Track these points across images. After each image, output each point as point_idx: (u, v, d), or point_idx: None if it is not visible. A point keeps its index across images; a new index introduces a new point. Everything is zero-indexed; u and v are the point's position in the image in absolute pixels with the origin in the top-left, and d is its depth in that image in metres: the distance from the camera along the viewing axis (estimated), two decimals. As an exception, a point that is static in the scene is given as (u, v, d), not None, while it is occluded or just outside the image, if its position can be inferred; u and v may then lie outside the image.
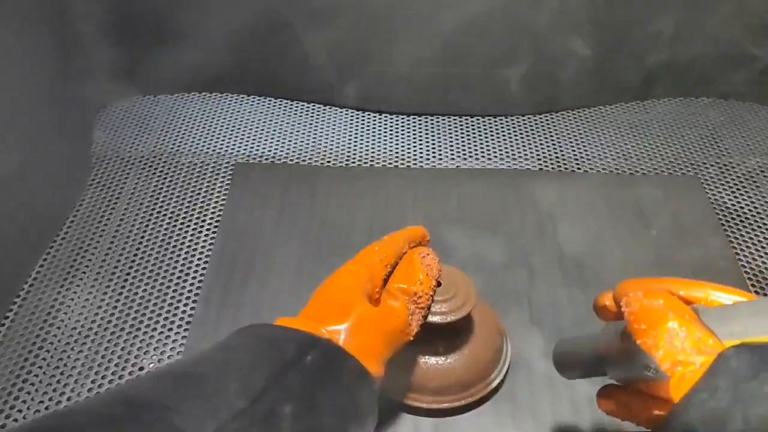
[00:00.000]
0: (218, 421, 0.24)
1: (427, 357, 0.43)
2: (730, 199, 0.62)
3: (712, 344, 0.25)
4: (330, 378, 0.31)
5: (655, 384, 0.27)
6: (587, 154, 0.67)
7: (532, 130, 0.70)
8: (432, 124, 0.71)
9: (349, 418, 0.31)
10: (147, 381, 0.28)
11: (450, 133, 0.70)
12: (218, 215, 0.60)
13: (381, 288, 0.39)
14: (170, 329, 0.50)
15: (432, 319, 0.40)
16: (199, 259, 0.55)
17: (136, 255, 0.56)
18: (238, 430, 0.24)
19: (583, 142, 0.69)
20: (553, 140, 0.69)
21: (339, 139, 0.69)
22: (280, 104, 0.73)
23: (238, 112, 0.72)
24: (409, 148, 0.68)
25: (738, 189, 0.63)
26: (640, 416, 0.29)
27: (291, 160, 0.66)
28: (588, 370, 0.35)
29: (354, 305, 0.35)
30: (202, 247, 0.57)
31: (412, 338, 0.37)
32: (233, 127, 0.70)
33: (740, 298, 0.29)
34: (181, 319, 0.51)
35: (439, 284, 0.39)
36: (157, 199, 0.61)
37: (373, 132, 0.70)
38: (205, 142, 0.68)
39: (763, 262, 0.56)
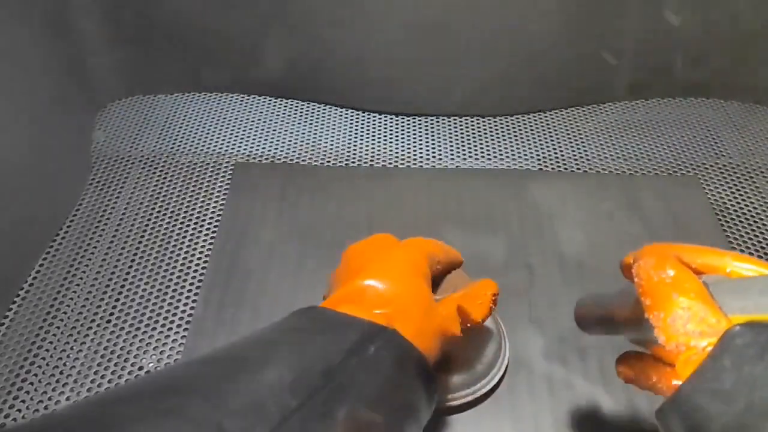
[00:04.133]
0: (267, 425, 0.22)
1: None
2: (729, 200, 0.62)
3: (716, 323, 0.25)
4: (393, 371, 0.28)
5: (669, 352, 0.26)
6: (587, 154, 0.67)
7: (532, 130, 0.70)
8: (432, 124, 0.71)
9: (408, 418, 0.29)
10: (201, 366, 0.26)
11: (450, 133, 0.70)
12: (218, 215, 0.60)
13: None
14: (170, 329, 0.50)
15: None
16: (198, 258, 0.55)
17: (135, 254, 0.56)
18: None
19: (583, 142, 0.69)
20: (553, 140, 0.69)
21: (339, 139, 0.69)
22: (280, 104, 0.73)
23: (238, 112, 0.72)
24: (409, 148, 0.68)
25: (738, 189, 0.63)
26: (658, 385, 0.28)
27: (291, 160, 0.66)
28: (605, 328, 0.34)
29: (424, 303, 0.33)
30: (202, 246, 0.57)
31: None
32: (233, 127, 0.70)
33: (765, 270, 0.28)
34: (181, 318, 0.51)
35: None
36: (157, 198, 0.61)
37: (373, 132, 0.70)
38: (205, 141, 0.68)
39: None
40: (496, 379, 0.45)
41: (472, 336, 0.44)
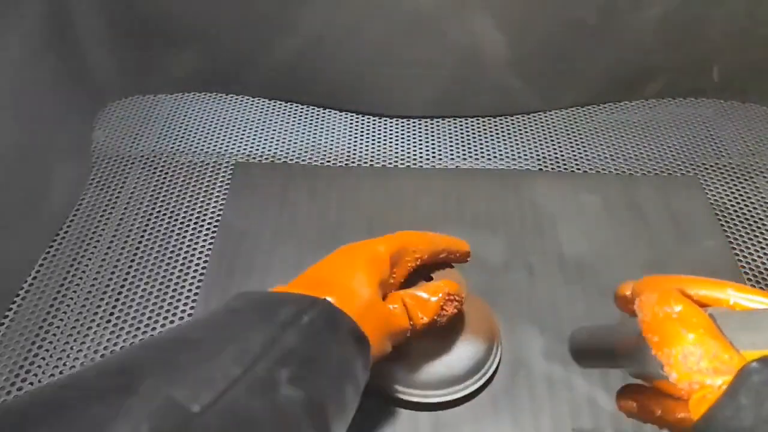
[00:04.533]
0: (214, 391, 0.24)
1: (417, 350, 0.43)
2: (729, 200, 0.62)
3: (729, 360, 0.24)
4: (328, 338, 0.30)
5: (675, 386, 0.25)
6: (587, 154, 0.67)
7: (533, 130, 0.70)
8: (432, 124, 0.71)
9: (346, 380, 0.30)
10: (142, 349, 0.27)
11: (450, 134, 0.70)
12: (218, 215, 0.60)
13: (403, 277, 0.39)
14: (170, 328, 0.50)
15: None
16: (198, 258, 0.55)
17: (135, 254, 0.56)
18: (234, 399, 0.24)
19: (583, 142, 0.69)
20: (553, 140, 0.69)
21: (339, 139, 0.69)
22: (280, 104, 0.73)
23: (238, 112, 0.72)
24: (409, 149, 0.68)
25: (738, 189, 0.63)
26: (662, 419, 0.28)
27: (291, 160, 0.66)
28: (604, 362, 0.34)
29: (365, 290, 0.34)
30: (202, 246, 0.57)
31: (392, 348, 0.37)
32: (233, 127, 0.70)
33: (764, 299, 0.27)
34: (181, 318, 0.51)
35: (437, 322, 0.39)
36: (157, 198, 0.61)
37: (373, 132, 0.70)
38: (205, 141, 0.68)
39: (763, 263, 0.56)
40: (489, 374, 0.45)
41: (450, 332, 0.44)
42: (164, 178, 0.64)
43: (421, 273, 0.42)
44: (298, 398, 0.27)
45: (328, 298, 0.32)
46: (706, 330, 0.25)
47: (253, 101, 0.73)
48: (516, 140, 0.69)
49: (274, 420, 0.25)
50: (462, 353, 0.44)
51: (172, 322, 0.50)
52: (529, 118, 0.72)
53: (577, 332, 0.36)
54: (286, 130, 0.70)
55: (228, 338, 0.27)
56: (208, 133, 0.69)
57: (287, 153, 0.67)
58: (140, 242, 0.57)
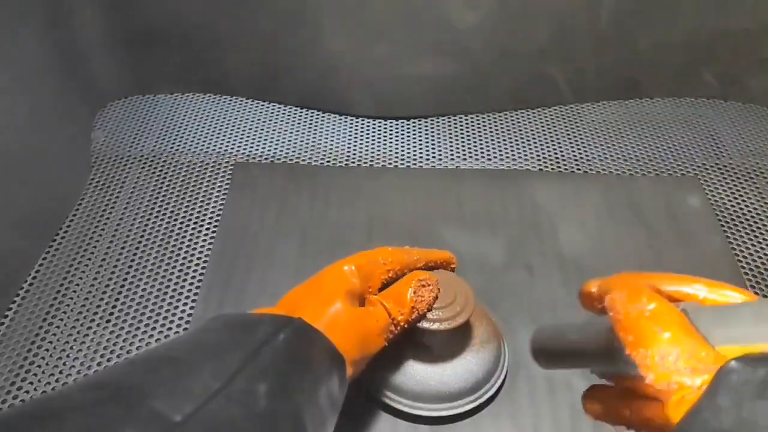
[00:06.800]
0: (195, 403, 0.24)
1: (424, 364, 0.43)
2: (729, 200, 0.62)
3: (706, 357, 0.23)
4: (303, 355, 0.31)
5: (646, 385, 0.25)
6: (587, 154, 0.67)
7: (533, 130, 0.70)
8: (432, 124, 0.71)
9: (323, 394, 0.31)
10: (123, 366, 0.28)
11: (450, 134, 0.70)
12: (218, 215, 0.60)
13: (376, 290, 0.39)
14: (169, 328, 0.50)
15: (429, 326, 0.40)
16: (198, 258, 0.55)
17: (135, 254, 0.56)
18: (215, 411, 0.25)
19: (583, 142, 0.69)
20: (553, 140, 0.69)
21: (339, 139, 0.69)
22: (279, 104, 0.73)
23: (238, 112, 0.72)
24: (409, 149, 0.68)
25: (737, 190, 0.63)
26: (631, 420, 0.27)
27: (291, 160, 0.66)
28: (570, 362, 0.33)
29: (332, 302, 0.35)
30: (202, 246, 0.56)
31: (386, 344, 0.37)
32: (233, 127, 0.70)
33: (737, 294, 0.27)
34: (180, 318, 0.51)
35: (424, 314, 0.40)
36: (157, 198, 0.61)
37: (374, 132, 0.70)
38: (204, 141, 0.68)
39: (763, 263, 0.56)
40: (496, 387, 0.45)
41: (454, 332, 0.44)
42: (164, 178, 0.64)
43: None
44: (277, 409, 0.27)
45: (301, 318, 0.33)
46: (680, 327, 0.25)
47: (252, 101, 0.73)
48: (516, 140, 0.69)
49: (253, 427, 0.26)
50: (470, 367, 0.44)
51: (171, 321, 0.50)
52: (529, 118, 0.72)
53: (541, 331, 0.34)
54: (286, 131, 0.70)
55: (207, 355, 0.28)
56: (208, 133, 0.69)
57: (287, 153, 0.67)
58: (140, 242, 0.57)
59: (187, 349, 0.29)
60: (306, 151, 0.67)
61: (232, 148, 0.67)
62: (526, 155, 0.67)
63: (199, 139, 0.69)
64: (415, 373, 0.43)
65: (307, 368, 0.31)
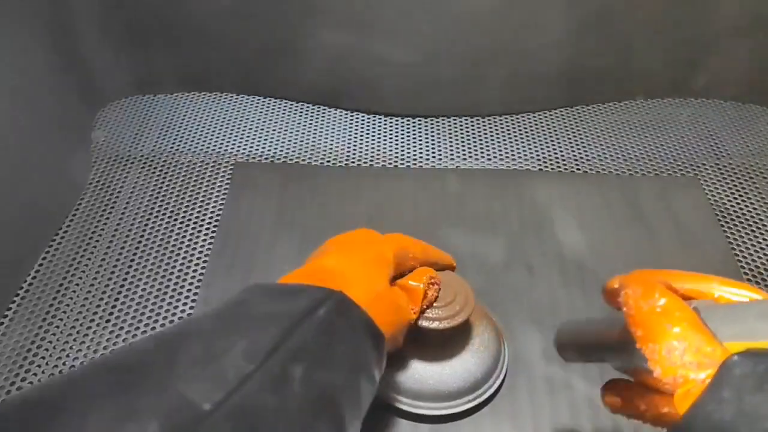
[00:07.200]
0: (225, 389, 0.23)
1: (424, 362, 0.43)
2: (729, 200, 0.62)
3: (712, 353, 0.24)
4: (342, 332, 0.29)
5: (656, 379, 0.25)
6: (587, 154, 0.67)
7: (532, 130, 0.70)
8: (432, 124, 0.71)
9: (361, 374, 0.30)
10: (152, 342, 0.26)
11: (450, 134, 0.70)
12: (217, 215, 0.59)
13: (402, 276, 0.40)
14: (169, 329, 0.50)
15: (429, 325, 0.40)
16: (198, 258, 0.55)
17: (135, 254, 0.56)
18: (245, 397, 0.23)
19: (583, 142, 0.69)
20: (553, 140, 0.69)
21: (339, 139, 0.69)
22: (280, 104, 0.73)
23: (238, 112, 0.72)
24: (409, 149, 0.68)
25: (737, 190, 0.63)
26: (646, 414, 0.27)
27: (291, 159, 0.66)
28: (588, 355, 0.34)
29: (376, 280, 0.34)
30: (202, 246, 0.56)
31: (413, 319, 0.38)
32: (233, 126, 0.70)
33: (752, 294, 0.27)
34: (180, 317, 0.51)
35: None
36: (157, 198, 0.61)
37: (373, 132, 0.70)
38: (204, 141, 0.68)
39: (763, 263, 0.56)
40: (496, 386, 0.45)
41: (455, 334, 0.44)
42: (164, 178, 0.64)
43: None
44: (312, 394, 0.26)
45: (342, 292, 0.31)
46: (689, 323, 0.25)
47: (253, 101, 0.73)
48: (516, 140, 0.69)
49: (286, 417, 0.25)
50: (469, 366, 0.44)
51: (171, 321, 0.50)
52: (529, 118, 0.72)
53: (564, 326, 0.36)
54: (285, 130, 0.70)
55: (240, 332, 0.26)
56: (207, 133, 0.69)
57: (287, 153, 0.67)
58: (140, 242, 0.57)
59: (220, 324, 0.27)
60: (306, 151, 0.67)
61: (232, 148, 0.67)
62: (526, 155, 0.67)
63: (199, 139, 0.69)
64: (415, 371, 0.43)
65: (346, 347, 0.29)
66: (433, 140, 0.69)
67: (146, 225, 0.59)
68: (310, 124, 0.71)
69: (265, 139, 0.69)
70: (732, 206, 0.61)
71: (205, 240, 0.57)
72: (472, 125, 0.71)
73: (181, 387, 0.22)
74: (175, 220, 0.59)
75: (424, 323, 0.40)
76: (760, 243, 0.57)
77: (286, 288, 0.31)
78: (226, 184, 0.63)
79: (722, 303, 0.28)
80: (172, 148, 0.67)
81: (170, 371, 0.23)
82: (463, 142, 0.69)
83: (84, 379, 0.23)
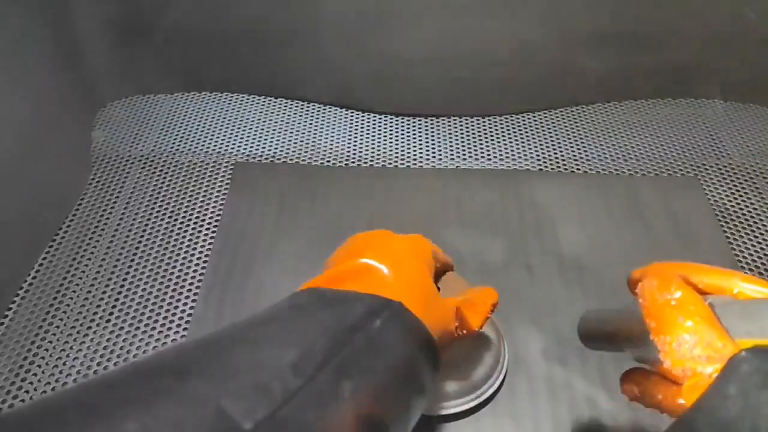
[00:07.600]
0: (270, 407, 0.21)
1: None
2: (729, 200, 0.62)
3: (722, 348, 0.24)
4: (398, 346, 0.28)
5: (666, 369, 0.26)
6: (587, 154, 0.67)
7: (532, 130, 0.70)
8: (432, 124, 0.71)
9: (413, 391, 0.28)
10: (201, 345, 0.25)
11: (450, 134, 0.70)
12: (218, 215, 0.59)
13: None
14: (169, 328, 0.50)
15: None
16: (198, 258, 0.55)
17: (135, 254, 0.56)
18: (289, 415, 0.22)
19: (583, 142, 0.69)
20: (553, 140, 0.69)
21: (339, 139, 0.69)
22: (280, 104, 0.73)
23: (238, 112, 0.72)
24: (409, 148, 0.68)
25: (737, 190, 0.63)
26: (663, 404, 0.27)
27: (291, 159, 0.66)
28: (608, 345, 0.34)
29: (429, 288, 0.32)
30: (202, 246, 0.56)
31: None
32: (233, 126, 0.70)
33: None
34: (180, 318, 0.51)
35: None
36: (157, 198, 0.61)
37: (374, 132, 0.70)
38: (204, 141, 0.68)
39: (763, 263, 0.56)
40: (496, 386, 0.45)
41: (469, 342, 0.44)
42: (164, 178, 0.64)
43: None
44: (360, 414, 0.24)
45: (401, 302, 0.29)
46: (702, 318, 0.25)
47: (253, 101, 0.73)
48: (516, 140, 0.69)
49: None
50: (469, 366, 0.44)
51: (171, 321, 0.50)
52: (529, 118, 0.72)
53: (587, 315, 0.36)
54: (286, 130, 0.70)
55: (288, 340, 0.25)
56: (207, 133, 0.69)
57: (287, 153, 0.67)
58: (140, 242, 0.57)
59: (270, 332, 0.26)
60: (306, 151, 0.67)
61: (232, 148, 0.67)
62: (526, 155, 0.67)
63: (199, 139, 0.69)
64: None
65: (400, 362, 0.28)
66: (433, 140, 0.69)
67: (146, 225, 0.59)
68: (310, 123, 0.71)
69: (265, 139, 0.69)
70: (732, 206, 0.61)
71: (205, 240, 0.57)
72: (472, 125, 0.71)
73: (224, 401, 0.21)
74: (175, 220, 0.59)
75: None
76: (760, 243, 0.57)
77: (340, 295, 0.29)
78: (226, 184, 0.63)
79: (740, 299, 0.27)
80: (172, 148, 0.67)
81: (214, 381, 0.22)
82: (463, 142, 0.69)
83: (119, 383, 0.22)
